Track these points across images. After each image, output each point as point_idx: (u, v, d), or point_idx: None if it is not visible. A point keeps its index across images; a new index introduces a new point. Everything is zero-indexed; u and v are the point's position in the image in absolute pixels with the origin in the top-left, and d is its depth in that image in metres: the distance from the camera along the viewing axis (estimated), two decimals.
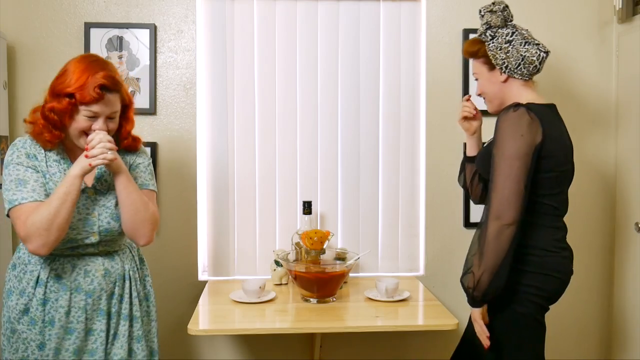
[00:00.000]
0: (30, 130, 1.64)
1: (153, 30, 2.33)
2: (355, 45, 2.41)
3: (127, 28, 2.33)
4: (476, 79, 1.88)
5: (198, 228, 2.39)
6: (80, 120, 1.59)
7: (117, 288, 1.72)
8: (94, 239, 1.66)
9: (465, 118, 1.98)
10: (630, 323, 2.39)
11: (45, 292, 1.64)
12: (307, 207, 2.26)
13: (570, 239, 2.54)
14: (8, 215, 1.60)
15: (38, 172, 1.62)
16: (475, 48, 1.84)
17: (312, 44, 2.40)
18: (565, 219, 2.51)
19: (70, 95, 1.57)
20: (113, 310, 1.72)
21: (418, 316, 1.98)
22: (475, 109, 1.97)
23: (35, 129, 1.62)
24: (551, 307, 2.57)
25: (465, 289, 1.70)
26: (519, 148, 1.64)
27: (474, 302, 1.70)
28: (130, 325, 1.75)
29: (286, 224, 2.41)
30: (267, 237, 2.42)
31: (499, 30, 1.82)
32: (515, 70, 1.79)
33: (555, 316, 2.54)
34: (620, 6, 2.38)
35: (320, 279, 1.97)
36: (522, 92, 1.81)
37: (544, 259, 1.76)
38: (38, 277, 1.65)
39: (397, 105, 2.43)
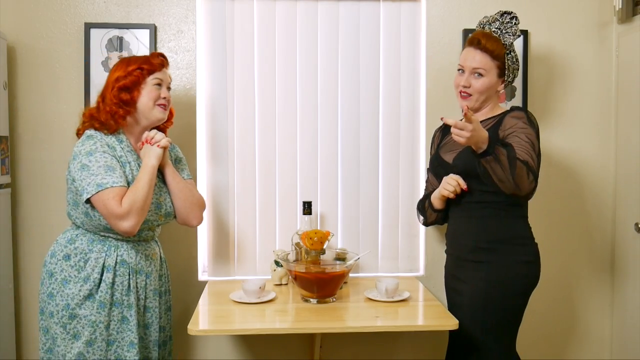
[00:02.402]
0: (91, 124, 1.86)
1: (153, 30, 2.33)
2: (355, 45, 2.41)
3: (127, 28, 2.33)
4: (478, 74, 1.88)
5: (198, 228, 2.39)
6: (150, 90, 1.88)
7: (163, 269, 2.00)
8: (160, 221, 1.92)
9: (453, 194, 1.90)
10: (630, 323, 2.39)
11: (114, 277, 1.82)
12: (307, 208, 2.26)
13: (570, 239, 2.56)
14: (88, 201, 1.74)
15: (119, 162, 1.82)
16: (501, 52, 1.88)
17: (312, 44, 2.40)
18: (566, 219, 2.53)
19: (139, 68, 1.87)
20: (162, 289, 1.98)
21: (418, 316, 1.98)
22: (463, 187, 1.89)
23: (104, 115, 1.84)
24: (552, 307, 2.59)
25: (497, 149, 1.67)
26: (536, 135, 1.82)
27: (486, 147, 1.66)
28: (168, 299, 2.04)
29: (286, 224, 2.41)
30: (267, 237, 2.42)
31: (513, 46, 1.92)
32: (506, 86, 1.97)
33: (556, 316, 2.55)
34: (620, 6, 2.38)
35: (320, 279, 1.97)
36: (497, 101, 1.99)
37: (533, 247, 1.92)
38: (104, 263, 1.81)
39: (397, 105, 2.43)
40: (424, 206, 2.13)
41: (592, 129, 2.50)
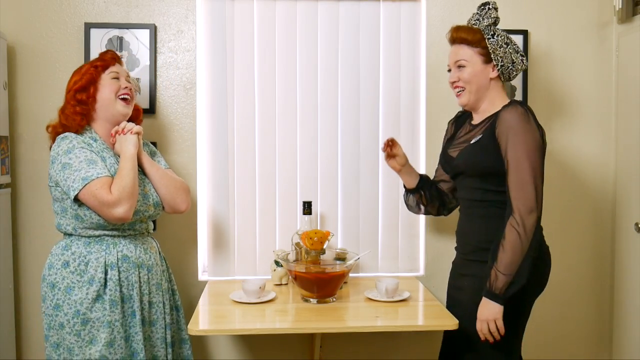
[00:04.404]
0: (57, 132, 1.87)
1: (153, 30, 2.33)
2: (355, 45, 2.41)
3: (127, 28, 2.33)
4: (460, 66, 1.88)
5: (198, 228, 2.40)
6: (109, 83, 1.87)
7: (163, 264, 1.99)
8: (151, 211, 1.89)
9: (388, 156, 2.09)
10: (630, 323, 2.39)
11: (119, 273, 1.80)
12: (307, 207, 2.26)
13: (570, 239, 2.56)
14: (76, 199, 1.73)
15: (99, 156, 1.81)
16: (476, 37, 1.86)
17: (312, 44, 2.40)
18: (566, 218, 2.53)
19: (93, 67, 1.87)
20: (165, 285, 1.97)
21: (418, 316, 1.98)
22: (389, 144, 2.06)
23: (64, 119, 1.85)
24: (552, 307, 2.59)
25: (500, 287, 1.71)
26: (536, 141, 1.74)
27: (504, 298, 1.72)
28: (174, 299, 2.04)
29: (286, 224, 2.41)
30: (267, 237, 2.42)
31: (497, 29, 1.88)
32: (504, 72, 1.87)
33: (556, 316, 2.55)
34: (620, 6, 2.38)
35: (320, 279, 1.97)
36: (500, 92, 1.90)
37: (541, 249, 1.84)
38: (105, 262, 1.79)
39: (397, 105, 2.43)
40: (405, 196, 2.21)
41: (592, 129, 2.50)
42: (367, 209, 2.44)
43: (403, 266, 2.47)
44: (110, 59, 1.92)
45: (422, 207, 2.17)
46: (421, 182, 2.13)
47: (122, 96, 1.90)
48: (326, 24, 2.39)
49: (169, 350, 1.93)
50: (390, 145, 2.07)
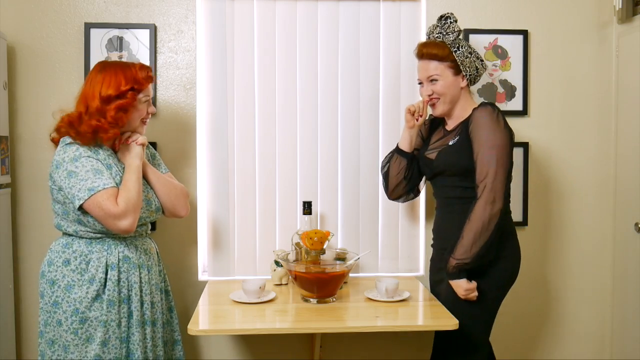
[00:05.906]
0: (68, 131, 1.80)
1: (153, 30, 2.33)
2: (355, 45, 2.41)
3: (127, 28, 2.33)
4: (433, 80, 1.99)
5: (198, 228, 2.40)
6: (141, 108, 1.87)
7: (160, 265, 2.02)
8: (153, 216, 1.93)
9: (410, 112, 2.08)
10: (630, 323, 2.39)
11: (119, 274, 1.81)
12: (307, 207, 2.26)
13: (570, 239, 2.56)
14: (80, 207, 1.72)
15: (104, 165, 1.80)
16: (445, 52, 1.98)
17: (312, 44, 2.40)
18: (566, 218, 2.53)
19: (131, 89, 1.81)
20: (162, 285, 2.00)
21: (418, 316, 1.98)
22: (421, 113, 2.08)
23: (86, 127, 1.76)
24: (552, 307, 2.59)
25: (455, 265, 1.87)
26: (504, 138, 1.87)
27: (458, 272, 1.88)
28: (168, 299, 2.05)
29: (286, 224, 2.41)
30: (267, 237, 2.42)
31: (460, 40, 2.01)
32: (471, 79, 2.02)
33: (556, 316, 2.55)
34: (620, 6, 2.38)
35: (320, 280, 1.97)
36: (469, 98, 2.05)
37: (513, 242, 1.99)
38: (106, 262, 1.80)
39: (397, 105, 2.43)
40: (389, 159, 2.18)
41: (592, 129, 2.50)
42: (367, 209, 2.44)
43: (403, 266, 2.47)
44: (146, 78, 1.85)
45: (400, 178, 2.15)
46: (412, 154, 2.15)
47: (144, 121, 1.92)
48: (326, 24, 2.40)
49: (166, 349, 1.95)
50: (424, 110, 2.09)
